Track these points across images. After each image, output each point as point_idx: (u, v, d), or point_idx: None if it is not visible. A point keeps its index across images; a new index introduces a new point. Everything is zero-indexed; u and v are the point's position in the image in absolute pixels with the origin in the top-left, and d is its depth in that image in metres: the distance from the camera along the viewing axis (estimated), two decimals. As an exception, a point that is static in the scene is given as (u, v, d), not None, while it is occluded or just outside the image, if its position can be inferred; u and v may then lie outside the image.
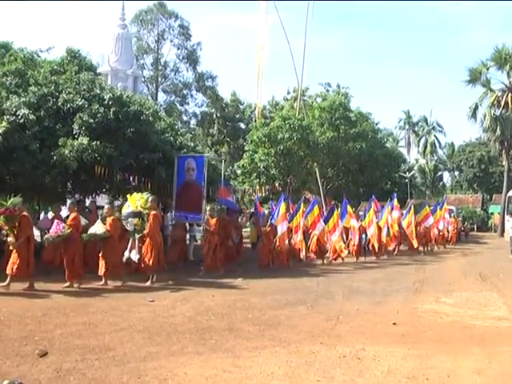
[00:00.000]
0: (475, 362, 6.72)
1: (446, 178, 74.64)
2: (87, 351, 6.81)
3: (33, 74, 16.49)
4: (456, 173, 69.07)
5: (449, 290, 12.77)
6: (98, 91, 16.08)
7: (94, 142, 14.36)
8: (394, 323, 8.88)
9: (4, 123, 13.76)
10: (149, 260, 12.88)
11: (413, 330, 8.54)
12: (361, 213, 23.99)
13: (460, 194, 61.59)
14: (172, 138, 18.61)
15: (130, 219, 13.11)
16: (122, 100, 16.14)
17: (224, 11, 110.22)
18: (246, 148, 32.35)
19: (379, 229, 21.39)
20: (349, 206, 21.35)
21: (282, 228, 16.88)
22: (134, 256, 13.20)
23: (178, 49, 51.85)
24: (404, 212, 24.56)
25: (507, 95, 39.43)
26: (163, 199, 18.10)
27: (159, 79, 52.50)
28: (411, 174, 56.38)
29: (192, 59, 51.67)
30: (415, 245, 23.37)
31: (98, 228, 12.55)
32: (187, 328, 8.28)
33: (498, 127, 39.61)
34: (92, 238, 12.56)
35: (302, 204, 19.67)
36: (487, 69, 40.18)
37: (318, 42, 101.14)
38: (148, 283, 12.72)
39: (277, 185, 30.68)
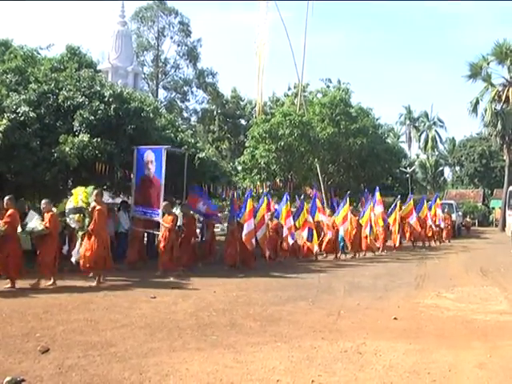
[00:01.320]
0: (477, 356, 6.73)
1: (447, 173, 74.76)
2: (89, 347, 6.82)
3: (33, 72, 16.48)
4: (457, 168, 69.04)
5: (450, 285, 12.79)
6: (99, 88, 16.07)
7: (95, 139, 14.36)
8: (396, 318, 8.89)
9: (4, 121, 13.75)
10: (92, 259, 11.98)
11: (414, 324, 8.55)
12: (360, 209, 23.58)
13: (461, 189, 61.63)
14: (172, 135, 18.59)
15: (71, 215, 12.24)
16: (122, 97, 16.13)
17: (224, 8, 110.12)
18: (246, 144, 32.32)
19: (359, 226, 20.49)
20: (318, 201, 20.27)
21: (248, 226, 15.47)
22: (75, 256, 12.42)
23: (178, 45, 51.87)
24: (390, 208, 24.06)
25: (508, 90, 39.36)
26: (164, 196, 18.08)
27: (159, 76, 52.50)
28: (412, 169, 56.33)
29: (192, 56, 51.65)
30: (397, 243, 22.91)
31: (36, 224, 11.74)
32: (188, 324, 8.29)
33: (499, 122, 39.56)
34: (30, 234, 11.89)
35: (304, 201, 19.57)
36: (488, 63, 40.11)
37: (318, 38, 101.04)
38: (94, 283, 11.93)
39: (278, 181, 30.65)
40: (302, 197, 20.90)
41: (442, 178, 73.42)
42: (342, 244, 20.29)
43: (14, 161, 13.95)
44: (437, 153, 72.63)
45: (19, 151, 13.99)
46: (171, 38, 51.85)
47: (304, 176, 32.61)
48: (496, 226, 45.52)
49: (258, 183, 29.68)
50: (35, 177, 14.37)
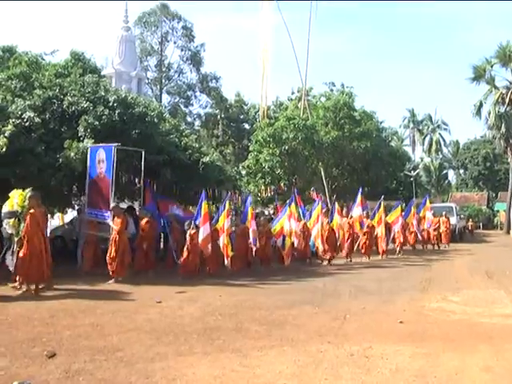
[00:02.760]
0: (483, 359, 6.72)
1: (451, 176, 74.78)
2: (95, 352, 6.83)
3: (37, 77, 16.54)
4: (461, 171, 69.06)
5: (455, 288, 12.77)
6: (103, 93, 16.13)
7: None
8: (401, 322, 8.87)
9: (10, 126, 13.80)
10: (21, 268, 11.18)
11: (420, 328, 8.54)
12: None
13: (465, 192, 61.56)
14: (177, 140, 18.64)
15: (5, 220, 11.61)
16: (126, 102, 16.19)
17: (227, 12, 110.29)
18: (250, 148, 32.36)
19: (331, 230, 19.14)
20: (292, 206, 18.50)
21: (204, 230, 14.59)
22: (9, 263, 11.73)
23: (182, 50, 52.18)
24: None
25: (511, 92, 39.30)
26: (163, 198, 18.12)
27: (163, 81, 52.71)
28: (416, 172, 56.18)
29: (196, 60, 51.87)
30: (383, 247, 21.54)
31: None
32: (195, 328, 8.29)
33: (503, 124, 39.49)
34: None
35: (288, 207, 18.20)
36: (491, 66, 40.06)
37: (322, 42, 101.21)
38: (20, 292, 11.22)
39: (282, 185, 30.67)
40: (288, 201, 19.31)
41: (447, 181, 73.38)
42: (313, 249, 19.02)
43: (18, 166, 13.99)
44: (441, 156, 72.68)
45: (24, 156, 14.04)
46: (174, 42, 52.21)
47: (308, 180, 32.61)
48: (501, 229, 45.43)
49: (263, 187, 29.72)
50: (40, 182, 14.38)
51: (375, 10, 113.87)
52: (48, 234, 17.25)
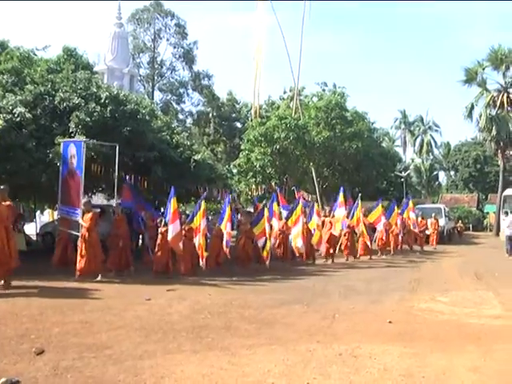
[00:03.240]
0: (471, 359, 6.75)
1: (442, 177, 74.92)
2: (84, 349, 6.81)
3: (29, 73, 16.48)
4: (452, 172, 69.24)
5: (444, 289, 12.82)
6: (95, 90, 16.09)
7: (91, 140, 14.34)
8: (390, 322, 8.90)
9: (0, 121, 13.74)
10: None
11: (408, 328, 8.56)
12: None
13: (456, 194, 61.75)
14: (168, 137, 18.66)
15: None
16: (118, 99, 16.16)
17: (220, 11, 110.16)
18: (242, 147, 32.39)
19: (308, 231, 18.49)
20: (275, 205, 18.08)
21: (174, 228, 14.02)
22: None
23: (175, 48, 52.09)
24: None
25: (503, 95, 39.53)
26: (159, 198, 18.10)
27: (155, 78, 52.63)
28: (407, 173, 56.38)
29: (188, 58, 51.81)
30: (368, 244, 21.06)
31: None
32: (184, 326, 8.29)
33: (494, 127, 39.63)
34: None
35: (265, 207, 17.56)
36: (483, 69, 40.23)
37: (314, 42, 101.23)
38: None
39: (273, 184, 30.70)
40: (266, 202, 19.13)
41: (437, 183, 73.59)
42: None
43: (9, 162, 13.95)
44: (432, 157, 72.86)
45: (15, 152, 13.99)
46: (167, 40, 52.13)
47: (299, 179, 32.66)
48: (490, 230, 45.63)
49: (254, 186, 29.74)
50: (31, 178, 14.36)
51: (368, 11, 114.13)
52: (38, 230, 17.14)
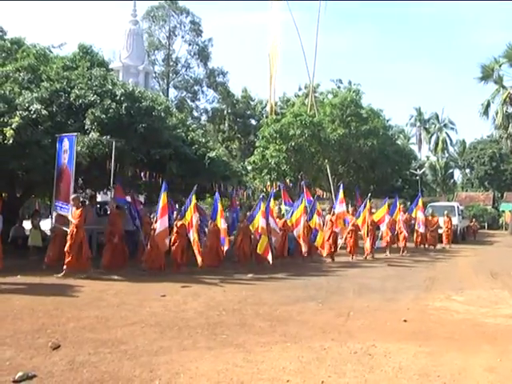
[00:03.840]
0: (486, 359, 6.71)
1: (457, 175, 74.55)
2: (100, 345, 6.86)
3: (45, 70, 16.55)
4: (467, 170, 68.86)
5: (459, 288, 12.75)
6: (110, 87, 16.12)
7: (104, 137, 14.37)
8: (405, 320, 8.87)
9: (17, 118, 13.84)
10: None
11: (423, 327, 8.53)
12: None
13: (471, 192, 61.42)
14: (183, 134, 18.68)
15: None
16: (133, 96, 16.19)
17: (235, 8, 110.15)
18: (256, 144, 32.36)
19: (308, 229, 17.89)
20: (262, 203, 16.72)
21: (161, 224, 13.78)
22: None
23: (189, 45, 52.05)
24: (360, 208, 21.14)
25: (519, 92, 39.14)
26: (175, 195, 18.15)
27: (170, 75, 52.66)
28: (422, 171, 56.09)
29: (203, 55, 51.80)
30: (368, 248, 20.36)
31: None
32: (199, 323, 8.32)
33: (510, 124, 39.27)
34: None
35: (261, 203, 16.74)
36: (500, 66, 39.78)
37: (330, 39, 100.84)
38: None
39: (288, 181, 30.67)
40: (261, 196, 17.98)
41: (452, 181, 73.22)
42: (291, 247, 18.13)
43: (25, 158, 14.04)
44: (447, 155, 72.46)
45: (31, 149, 14.07)
46: (182, 37, 52.09)
47: (314, 177, 32.60)
48: (506, 229, 45.33)
49: (268, 183, 29.73)
50: (46, 174, 14.44)
51: (383, 10, 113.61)
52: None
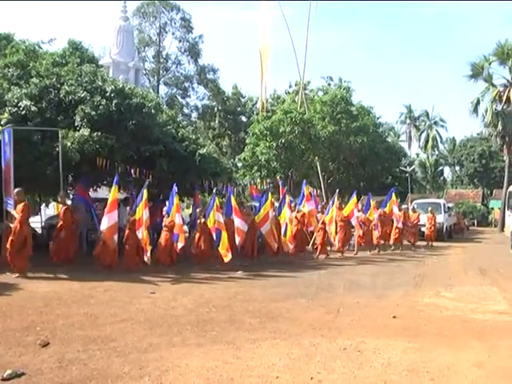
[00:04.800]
0: (475, 355, 6.75)
1: (447, 172, 74.81)
2: (89, 342, 6.84)
3: (35, 66, 16.45)
4: (457, 168, 69.05)
5: (449, 284, 12.79)
6: (100, 83, 16.04)
7: (95, 133, 14.32)
8: (394, 316, 8.90)
9: (6, 114, 13.76)
10: None
11: (413, 323, 8.57)
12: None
13: (461, 189, 61.60)
14: (174, 131, 18.63)
15: None
16: (124, 92, 16.12)
17: (226, 5, 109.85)
18: (247, 141, 32.40)
19: (277, 225, 17.30)
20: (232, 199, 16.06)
21: (109, 219, 13.15)
22: None
23: (180, 41, 51.96)
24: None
25: (509, 90, 39.29)
26: (165, 192, 18.10)
27: (161, 72, 52.55)
28: (412, 168, 56.20)
29: (193, 52, 51.71)
30: (336, 244, 19.41)
31: None
32: (188, 320, 8.31)
33: (500, 122, 39.51)
34: None
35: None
36: (489, 64, 40.03)
37: (320, 37, 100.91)
38: None
39: (278, 178, 30.70)
40: (214, 191, 16.86)
41: (442, 178, 73.49)
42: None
43: (15, 154, 13.93)
44: (437, 152, 72.72)
45: (20, 145, 13.97)
46: (173, 33, 52.02)
47: (304, 174, 32.65)
48: (495, 226, 45.51)
49: (259, 180, 29.76)
50: (36, 171, 14.36)
51: (374, 7, 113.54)
52: (43, 223, 17.10)
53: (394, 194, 23.31)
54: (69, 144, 14.07)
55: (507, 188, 36.44)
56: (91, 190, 18.75)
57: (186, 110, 53.30)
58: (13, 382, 5.46)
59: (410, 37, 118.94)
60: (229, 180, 21.57)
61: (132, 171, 16.29)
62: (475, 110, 41.24)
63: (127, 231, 14.00)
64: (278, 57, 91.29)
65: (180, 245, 14.16)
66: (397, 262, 18.43)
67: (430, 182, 69.34)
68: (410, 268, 16.47)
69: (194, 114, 55.05)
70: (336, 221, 19.36)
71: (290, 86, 52.14)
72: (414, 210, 25.30)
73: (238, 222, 15.30)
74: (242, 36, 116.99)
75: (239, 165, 33.04)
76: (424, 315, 9.25)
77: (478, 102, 41.09)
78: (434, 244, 25.31)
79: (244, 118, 55.28)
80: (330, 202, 20.29)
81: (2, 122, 13.52)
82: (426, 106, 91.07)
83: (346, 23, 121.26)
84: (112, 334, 7.27)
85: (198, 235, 15.17)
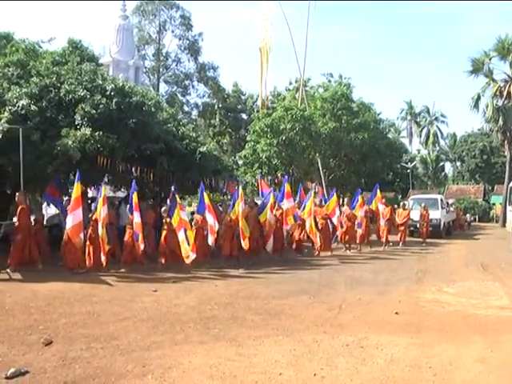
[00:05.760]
0: (477, 350, 6.76)
1: (448, 168, 74.87)
2: (92, 340, 6.86)
3: (34, 65, 16.43)
4: (458, 163, 69.09)
5: (451, 280, 12.80)
6: (100, 82, 16.04)
7: (97, 133, 14.34)
8: (397, 312, 8.91)
9: (6, 114, 13.74)
10: None
11: (415, 319, 8.58)
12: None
13: (462, 185, 61.63)
14: (174, 129, 18.61)
15: None
16: (124, 91, 16.11)
17: (225, 3, 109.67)
18: (247, 138, 32.37)
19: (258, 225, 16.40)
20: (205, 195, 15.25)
21: (74, 218, 12.63)
22: None
23: (180, 39, 51.81)
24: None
25: (510, 85, 39.24)
26: (166, 190, 18.11)
27: (161, 70, 52.48)
28: (413, 164, 56.35)
29: (193, 50, 51.61)
30: (318, 242, 18.06)
31: None
32: (191, 317, 8.33)
33: (501, 117, 39.47)
34: None
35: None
36: (490, 59, 39.94)
37: (320, 33, 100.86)
38: None
39: (279, 175, 30.68)
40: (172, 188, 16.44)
41: (443, 174, 73.50)
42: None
43: (15, 154, 13.94)
44: (438, 148, 72.74)
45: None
46: (172, 31, 51.88)
47: (305, 170, 32.63)
48: (496, 221, 45.53)
49: (259, 177, 29.73)
50: (37, 170, 14.36)
51: (374, 4, 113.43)
52: (45, 222, 17.15)
53: (378, 191, 22.56)
54: (70, 142, 14.06)
55: (508, 183, 36.39)
56: (92, 188, 18.75)
57: (186, 108, 53.23)
58: (17, 380, 5.48)
59: (411, 33, 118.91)
60: (230, 177, 21.58)
61: (133, 170, 16.29)
62: (476, 106, 41.19)
63: (89, 230, 13.45)
64: (278, 54, 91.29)
65: (142, 246, 13.54)
66: (398, 257, 18.38)
67: (431, 177, 69.39)
68: (412, 264, 16.45)
69: (195, 112, 55.03)
70: (316, 217, 18.51)
71: (291, 83, 52.18)
72: (404, 207, 24.02)
73: (211, 220, 14.60)
74: (242, 33, 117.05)
75: (240, 162, 32.98)
76: (426, 311, 9.25)
77: (478, 98, 41.03)
78: (429, 241, 24.60)
79: (244, 116, 55.29)
80: (306, 197, 19.33)
81: (2, 122, 13.50)
82: (427, 101, 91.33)
83: (346, 19, 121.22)
84: (115, 332, 7.29)
85: (164, 234, 14.54)
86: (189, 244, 13.63)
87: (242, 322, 8.14)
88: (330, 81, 43.38)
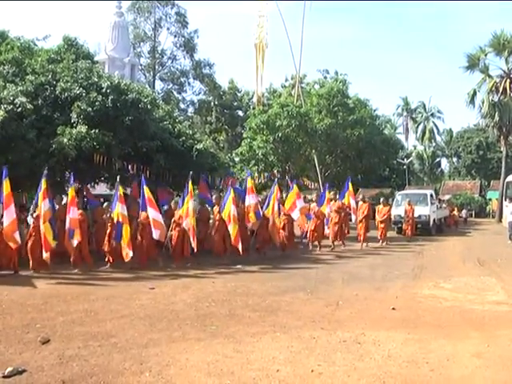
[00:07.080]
0: (474, 345, 6.77)
1: (444, 164, 74.76)
2: (89, 338, 6.86)
3: (30, 63, 16.42)
4: (454, 159, 69.09)
5: (447, 276, 12.81)
6: (96, 79, 16.03)
7: (93, 131, 14.33)
8: (394, 308, 8.93)
9: (1, 112, 13.72)
10: None
11: (412, 314, 8.59)
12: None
13: (458, 181, 61.66)
14: (170, 126, 18.61)
15: None
16: (119, 88, 16.10)
17: (221, 1, 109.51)
18: (244, 135, 32.31)
19: (221, 222, 15.15)
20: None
21: (7, 216, 12.08)
22: None
23: (175, 36, 51.65)
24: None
25: (505, 81, 39.26)
26: (162, 187, 18.10)
27: (156, 67, 52.33)
28: (409, 160, 56.33)
29: (189, 47, 51.48)
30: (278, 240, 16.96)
31: None
32: (188, 315, 8.33)
33: (497, 113, 39.45)
34: None
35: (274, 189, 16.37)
36: (485, 55, 39.92)
37: (316, 30, 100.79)
38: None
39: (275, 172, 30.67)
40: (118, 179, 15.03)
41: (439, 170, 73.50)
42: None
43: (11, 152, 13.93)
44: (434, 144, 72.71)
45: (16, 143, 13.97)
46: (168, 29, 51.69)
47: (301, 167, 32.62)
48: (493, 217, 45.54)
49: (256, 174, 29.70)
50: (33, 168, 14.34)
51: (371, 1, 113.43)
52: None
53: (350, 184, 21.32)
54: (65, 140, 14.04)
55: (505, 179, 36.41)
56: (89, 186, 18.72)
57: (182, 105, 53.14)
58: (14, 379, 5.48)
59: (407, 29, 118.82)
60: (226, 174, 21.58)
61: (129, 167, 16.28)
62: (472, 101, 41.16)
63: (31, 226, 13.09)
64: (274, 50, 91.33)
65: (75, 242, 12.76)
66: (395, 253, 18.40)
67: (427, 173, 69.44)
68: (409, 259, 16.47)
69: (191, 109, 54.92)
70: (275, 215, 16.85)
71: (286, 80, 52.12)
72: (384, 204, 22.23)
73: (153, 214, 13.62)
74: (238, 30, 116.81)
75: (236, 159, 32.95)
76: (423, 306, 9.27)
77: (474, 93, 41.02)
78: (425, 237, 24.21)
79: (240, 113, 55.19)
80: (269, 193, 17.89)
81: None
82: (423, 97, 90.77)
83: (342, 16, 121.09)
84: (112, 330, 7.29)
85: (139, 232, 14.00)
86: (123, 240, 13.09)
87: (240, 318, 8.15)
88: (325, 77, 43.41)
